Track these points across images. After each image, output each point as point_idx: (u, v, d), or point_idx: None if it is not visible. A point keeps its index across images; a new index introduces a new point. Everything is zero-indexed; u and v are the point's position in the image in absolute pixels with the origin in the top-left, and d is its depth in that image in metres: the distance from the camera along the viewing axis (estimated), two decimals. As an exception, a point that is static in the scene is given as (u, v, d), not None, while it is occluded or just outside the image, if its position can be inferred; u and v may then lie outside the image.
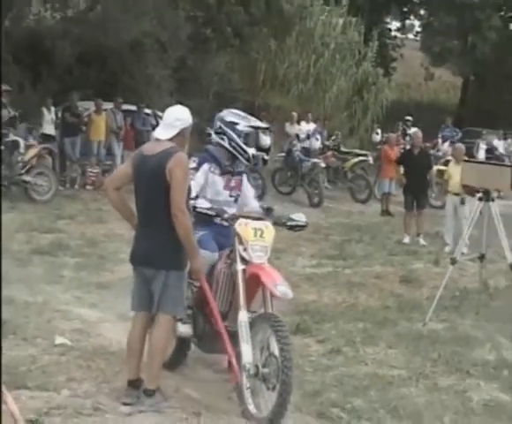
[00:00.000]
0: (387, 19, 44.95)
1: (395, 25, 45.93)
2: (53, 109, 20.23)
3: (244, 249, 6.48)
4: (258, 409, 6.19)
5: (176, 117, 6.22)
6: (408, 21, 46.24)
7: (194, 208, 6.60)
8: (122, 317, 8.70)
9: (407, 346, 8.59)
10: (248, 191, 7.39)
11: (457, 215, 14.80)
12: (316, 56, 31.27)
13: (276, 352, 6.03)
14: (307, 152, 23.03)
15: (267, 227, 6.66)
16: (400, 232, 16.46)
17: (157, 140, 6.22)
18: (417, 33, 46.09)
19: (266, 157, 23.40)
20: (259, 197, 20.60)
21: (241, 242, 6.50)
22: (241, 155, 7.06)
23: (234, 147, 7.04)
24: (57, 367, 6.85)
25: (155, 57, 24.66)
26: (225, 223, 6.72)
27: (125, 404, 6.15)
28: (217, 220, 6.75)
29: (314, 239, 15.79)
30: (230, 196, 7.13)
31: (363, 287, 11.52)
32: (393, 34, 44.93)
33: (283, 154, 22.99)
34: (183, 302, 6.36)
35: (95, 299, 9.73)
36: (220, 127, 7.10)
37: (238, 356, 6.28)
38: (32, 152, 17.36)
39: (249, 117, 7.27)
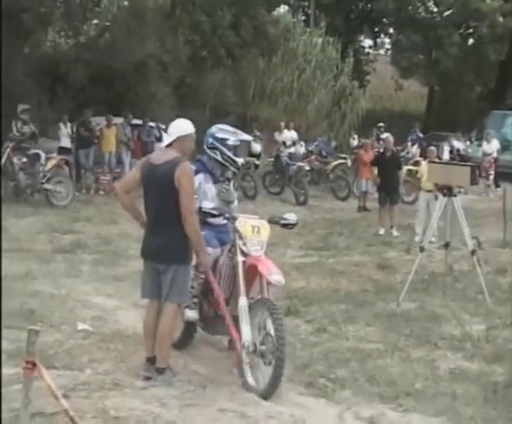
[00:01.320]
0: (361, 38, 44.98)
1: (367, 43, 45.93)
2: (69, 124, 20.29)
3: (244, 244, 6.59)
4: (256, 381, 6.31)
5: (173, 127, 6.34)
6: (379, 39, 46.24)
7: (200, 208, 6.72)
8: (135, 305, 8.82)
9: (383, 324, 8.71)
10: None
11: (429, 209, 14.86)
12: (299, 72, 31.31)
13: (272, 332, 6.16)
14: (293, 157, 23.16)
15: (263, 225, 6.77)
16: (376, 225, 16.55)
17: (163, 149, 6.35)
18: (388, 49, 46.10)
19: (257, 162, 23.75)
20: (252, 197, 20.80)
21: (241, 238, 6.61)
22: (232, 165, 7.19)
23: (226, 160, 7.17)
24: (81, 350, 6.96)
25: (158, 76, 24.72)
26: (224, 221, 6.85)
27: (144, 377, 6.29)
28: (220, 219, 6.87)
29: (301, 233, 15.83)
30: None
31: (344, 274, 11.62)
32: (366, 50, 44.94)
33: (272, 159, 23.09)
34: (188, 292, 6.49)
35: (111, 290, 9.81)
36: (212, 143, 7.18)
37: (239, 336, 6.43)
38: (51, 163, 17.41)
39: (237, 131, 7.37)
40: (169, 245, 6.14)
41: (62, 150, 19.46)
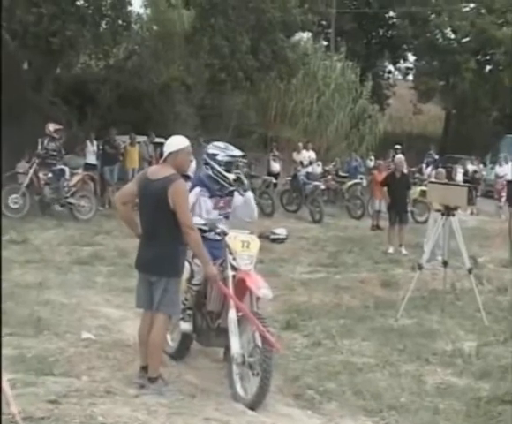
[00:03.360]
0: (382, 63, 44.89)
1: (388, 67, 45.91)
2: (95, 142, 20.52)
3: (234, 258, 6.54)
4: (245, 392, 6.25)
5: (166, 144, 6.38)
6: (398, 64, 46.19)
7: None
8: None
9: (378, 339, 8.61)
10: (238, 202, 7.34)
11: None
12: (318, 95, 31.28)
13: (260, 344, 6.11)
14: (310, 176, 23.13)
15: (253, 240, 6.70)
16: (386, 244, 16.43)
17: (160, 164, 6.38)
18: (406, 74, 46.06)
19: (275, 181, 23.74)
20: (270, 214, 20.79)
21: (231, 252, 6.56)
22: (223, 180, 7.09)
23: (216, 175, 7.09)
24: (80, 358, 6.90)
25: (182, 98, 24.89)
26: (217, 237, 6.78)
27: (138, 384, 6.26)
28: (210, 234, 6.80)
29: (313, 250, 15.85)
30: (219, 214, 7.16)
31: (348, 290, 11.49)
32: (386, 75, 44.93)
33: (290, 178, 23.09)
34: (179, 304, 6.44)
35: (121, 301, 9.77)
36: (205, 159, 7.15)
37: (228, 348, 6.39)
38: (76, 178, 17.53)
39: (228, 146, 7.23)
40: (161, 258, 6.12)
41: (88, 166, 19.67)
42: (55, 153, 17.02)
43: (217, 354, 7.31)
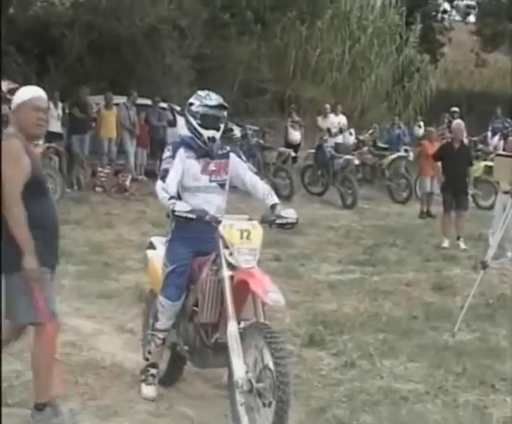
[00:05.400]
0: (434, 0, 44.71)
1: (442, 6, 45.62)
2: (60, 104, 20.37)
3: (231, 253, 6.37)
4: (254, 426, 6.25)
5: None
6: (456, 1, 45.92)
7: (173, 211, 6.50)
8: (120, 329, 8.96)
9: (429, 359, 8.56)
10: (241, 167, 7.14)
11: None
12: (351, 42, 31.31)
13: (271, 366, 5.97)
14: (340, 148, 23.09)
15: (255, 227, 6.51)
16: (439, 236, 16.45)
17: None
18: (467, 14, 45.80)
19: (294, 154, 23.68)
20: (287, 197, 20.74)
21: (226, 246, 6.40)
22: (197, 137, 6.91)
23: (190, 130, 6.95)
24: (42, 383, 6.97)
25: (173, 45, 24.77)
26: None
27: None
28: (199, 221, 6.57)
29: (343, 244, 15.89)
30: (211, 181, 6.97)
31: (389, 295, 11.51)
32: (440, 16, 44.69)
33: (314, 150, 22.99)
34: (36, 305, 5.99)
35: (94, 310, 9.82)
36: (185, 110, 7.08)
37: (230, 371, 6.34)
38: (36, 151, 17.50)
39: (213, 96, 6.91)
40: None
41: (51, 136, 19.49)
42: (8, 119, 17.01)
43: (220, 378, 7.31)
